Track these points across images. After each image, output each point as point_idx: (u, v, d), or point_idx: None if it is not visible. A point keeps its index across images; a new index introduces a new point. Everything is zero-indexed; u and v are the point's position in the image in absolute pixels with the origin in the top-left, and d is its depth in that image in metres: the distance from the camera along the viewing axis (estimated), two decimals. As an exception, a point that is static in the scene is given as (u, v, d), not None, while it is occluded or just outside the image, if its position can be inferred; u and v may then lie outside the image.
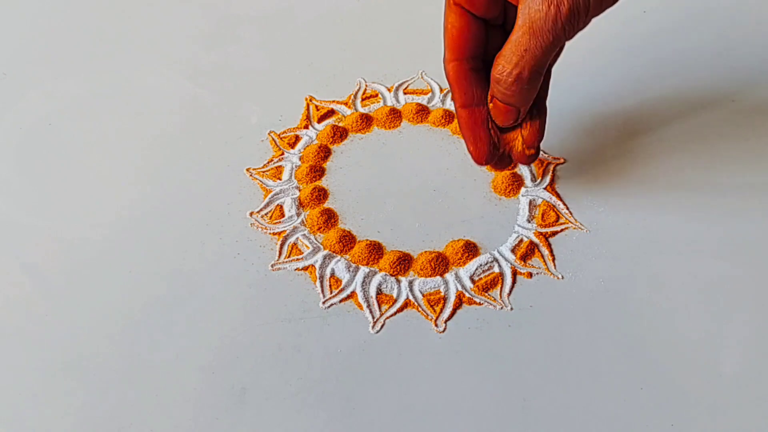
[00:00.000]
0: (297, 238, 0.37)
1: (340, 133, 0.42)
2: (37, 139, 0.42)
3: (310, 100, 0.44)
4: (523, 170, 0.40)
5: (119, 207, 0.39)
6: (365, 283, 0.35)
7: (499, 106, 0.33)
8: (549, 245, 0.36)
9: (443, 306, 0.34)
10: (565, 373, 0.32)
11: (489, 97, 0.34)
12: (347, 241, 0.37)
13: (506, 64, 0.31)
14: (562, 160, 0.40)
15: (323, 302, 0.34)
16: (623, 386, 0.31)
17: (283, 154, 0.41)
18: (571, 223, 0.37)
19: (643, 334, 0.33)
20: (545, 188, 0.39)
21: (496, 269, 0.36)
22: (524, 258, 0.36)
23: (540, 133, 0.35)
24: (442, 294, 0.35)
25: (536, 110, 0.34)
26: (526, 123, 0.34)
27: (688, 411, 0.30)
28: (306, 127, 0.43)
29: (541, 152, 0.40)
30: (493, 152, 0.35)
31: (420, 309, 0.34)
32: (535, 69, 0.31)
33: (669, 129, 0.42)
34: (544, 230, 0.37)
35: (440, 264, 0.36)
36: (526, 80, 0.31)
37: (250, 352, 0.33)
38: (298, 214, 0.38)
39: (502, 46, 0.32)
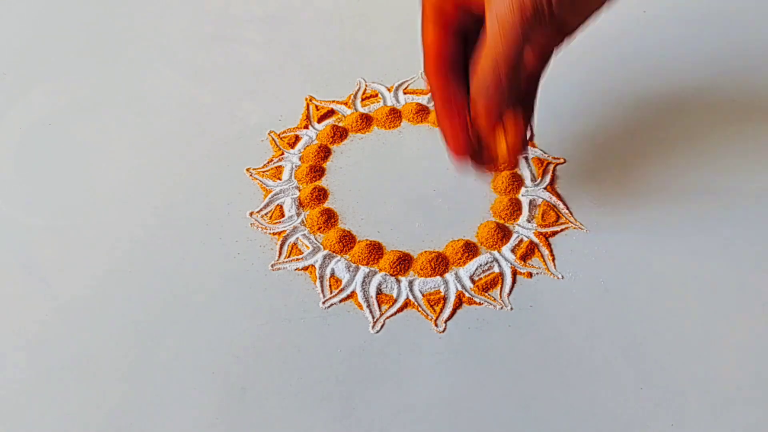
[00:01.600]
0: (297, 238, 0.37)
1: (340, 133, 0.42)
2: (37, 139, 0.42)
3: (310, 100, 0.44)
4: (523, 170, 0.40)
5: (119, 207, 0.39)
6: (365, 283, 0.35)
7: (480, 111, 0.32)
8: (549, 245, 0.36)
9: (443, 306, 0.34)
10: (564, 373, 0.32)
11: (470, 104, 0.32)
12: (347, 241, 0.37)
13: (485, 76, 0.30)
14: (562, 160, 0.40)
15: (323, 302, 0.34)
16: (623, 386, 0.31)
17: (283, 154, 0.41)
18: (571, 223, 0.37)
19: (643, 334, 0.33)
20: (545, 188, 0.39)
21: (496, 269, 0.36)
22: (524, 258, 0.36)
23: (523, 140, 0.33)
24: (442, 294, 0.35)
25: (522, 109, 0.32)
26: (510, 126, 0.32)
27: (688, 411, 0.30)
28: (306, 127, 0.43)
29: (540, 152, 0.40)
30: (471, 143, 0.33)
31: (420, 309, 0.34)
32: (510, 67, 0.30)
33: (669, 129, 0.42)
34: (544, 230, 0.37)
35: (440, 264, 0.36)
36: (506, 87, 0.30)
37: (250, 352, 0.33)
38: (298, 214, 0.38)
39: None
